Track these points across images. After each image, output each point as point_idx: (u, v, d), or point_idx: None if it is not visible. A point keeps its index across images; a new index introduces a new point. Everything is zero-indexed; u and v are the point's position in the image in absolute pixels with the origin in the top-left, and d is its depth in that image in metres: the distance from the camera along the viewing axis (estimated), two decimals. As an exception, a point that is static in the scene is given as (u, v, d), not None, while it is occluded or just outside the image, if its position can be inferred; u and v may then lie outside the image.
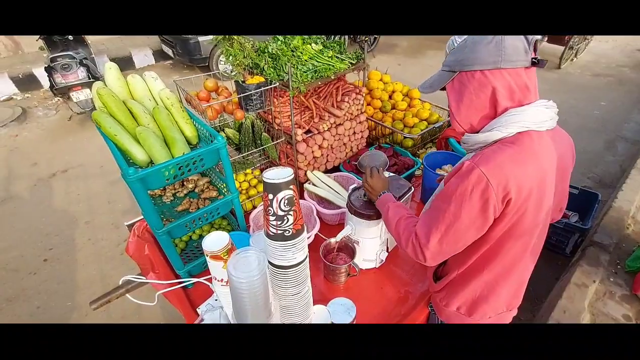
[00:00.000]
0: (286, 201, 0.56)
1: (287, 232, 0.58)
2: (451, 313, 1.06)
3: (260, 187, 1.67)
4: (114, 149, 1.09)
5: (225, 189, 1.34)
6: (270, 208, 0.57)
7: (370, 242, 1.26)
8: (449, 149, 1.80)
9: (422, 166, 1.81)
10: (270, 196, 0.56)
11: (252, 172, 1.75)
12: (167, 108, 1.22)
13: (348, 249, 1.31)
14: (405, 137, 1.97)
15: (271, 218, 0.57)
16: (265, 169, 1.85)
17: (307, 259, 0.64)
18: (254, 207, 1.61)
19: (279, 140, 1.56)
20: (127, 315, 2.23)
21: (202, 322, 0.88)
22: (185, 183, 1.44)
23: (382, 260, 1.35)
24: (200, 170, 1.12)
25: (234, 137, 1.59)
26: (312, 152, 1.63)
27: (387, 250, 1.38)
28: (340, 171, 1.76)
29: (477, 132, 0.85)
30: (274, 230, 0.58)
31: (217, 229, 1.55)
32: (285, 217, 0.57)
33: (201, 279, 1.23)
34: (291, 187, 0.56)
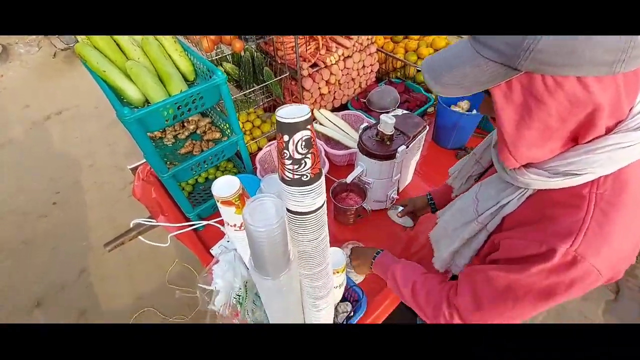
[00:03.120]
0: (303, 143, 0.50)
1: (305, 176, 0.53)
2: None
3: (265, 127, 1.58)
4: (105, 86, 0.99)
5: (228, 130, 1.26)
6: (285, 151, 0.51)
7: (381, 183, 1.23)
8: (466, 83, 1.66)
9: (435, 103, 1.70)
10: (286, 137, 0.49)
11: (254, 112, 1.66)
12: (157, 39, 1.09)
13: (358, 189, 1.29)
14: (418, 71, 1.81)
15: (287, 162, 0.52)
16: (269, 107, 1.75)
17: (325, 204, 0.60)
18: (260, 149, 1.55)
19: (282, 76, 1.44)
20: (142, 254, 2.33)
21: (217, 263, 0.89)
22: (185, 124, 1.36)
23: (393, 201, 1.34)
24: (201, 109, 1.04)
25: (233, 73, 1.46)
26: (319, 88, 1.51)
27: (398, 191, 1.35)
28: (348, 109, 1.66)
29: (539, 168, 0.55)
30: (290, 175, 0.53)
31: (222, 172, 1.51)
32: (303, 161, 0.51)
33: (211, 222, 1.23)
34: (308, 127, 0.50)
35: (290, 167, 0.52)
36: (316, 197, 0.56)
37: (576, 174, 0.51)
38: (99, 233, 2.49)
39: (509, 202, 0.62)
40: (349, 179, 1.21)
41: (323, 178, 0.57)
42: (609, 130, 0.50)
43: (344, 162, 1.51)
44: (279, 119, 0.49)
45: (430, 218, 1.26)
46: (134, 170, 1.49)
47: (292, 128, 0.49)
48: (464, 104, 1.54)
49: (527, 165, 0.57)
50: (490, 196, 0.67)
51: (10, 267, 2.31)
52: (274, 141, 1.49)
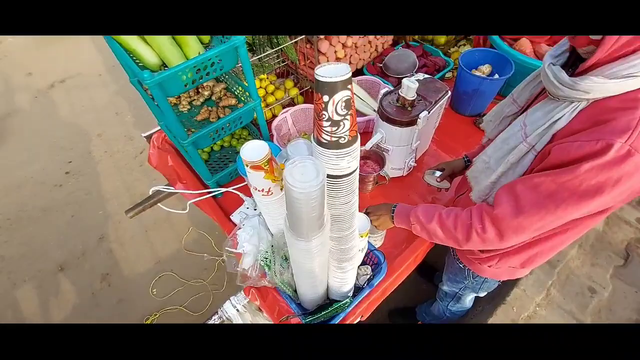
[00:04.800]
0: (343, 104, 0.49)
1: (343, 139, 0.52)
2: (486, 269, 0.97)
3: (279, 94, 1.55)
4: (119, 50, 0.96)
5: (244, 96, 1.24)
6: (324, 112, 0.49)
7: (400, 150, 1.22)
8: (488, 45, 1.59)
9: (454, 67, 1.64)
10: (325, 98, 0.48)
11: (267, 78, 1.62)
12: (170, -2, 1.04)
13: (376, 156, 1.28)
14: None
15: (325, 124, 0.51)
16: (281, 73, 1.70)
17: (358, 168, 0.60)
18: (274, 116, 1.53)
19: (297, 38, 1.38)
20: (158, 222, 2.38)
21: (241, 228, 0.91)
22: (200, 90, 1.33)
23: (410, 168, 1.33)
24: (219, 73, 1.01)
25: (246, 35, 1.41)
26: (335, 52, 1.46)
27: (415, 158, 1.34)
28: (364, 75, 1.61)
29: (600, 74, 0.58)
30: (328, 138, 0.52)
31: (237, 140, 1.51)
32: (342, 123, 0.50)
33: (230, 189, 1.24)
34: (349, 87, 0.48)
35: (329, 129, 0.51)
36: (352, 160, 0.56)
37: (636, 76, 0.55)
38: (114, 202, 2.54)
39: (561, 117, 0.65)
40: (367, 146, 1.20)
41: (359, 141, 0.56)
42: None
43: (360, 129, 1.49)
44: (318, 78, 0.47)
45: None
46: (148, 138, 1.49)
47: (332, 88, 0.47)
48: (485, 68, 1.48)
49: (587, 70, 0.61)
50: (538, 118, 0.70)
51: (32, 234, 2.39)
52: (289, 108, 1.46)
